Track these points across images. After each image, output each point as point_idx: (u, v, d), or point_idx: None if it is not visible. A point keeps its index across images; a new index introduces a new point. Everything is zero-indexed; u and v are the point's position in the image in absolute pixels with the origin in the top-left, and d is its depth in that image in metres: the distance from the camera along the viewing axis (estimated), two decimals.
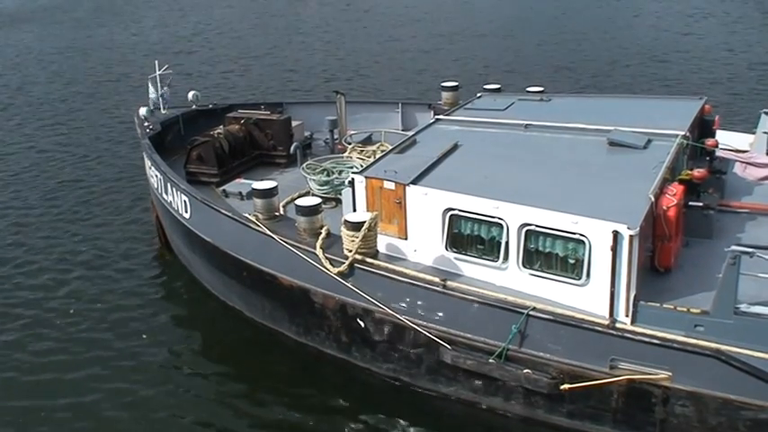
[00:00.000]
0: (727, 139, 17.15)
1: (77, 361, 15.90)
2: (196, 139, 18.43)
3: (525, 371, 12.55)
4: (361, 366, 14.51)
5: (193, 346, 16.56)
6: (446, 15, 53.36)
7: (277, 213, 15.68)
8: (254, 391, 14.91)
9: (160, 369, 15.67)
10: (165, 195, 17.89)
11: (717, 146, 15.89)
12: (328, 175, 16.89)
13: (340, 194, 15.45)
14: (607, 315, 12.13)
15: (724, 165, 15.97)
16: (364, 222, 13.63)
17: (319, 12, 58.14)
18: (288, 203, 16.26)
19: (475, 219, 13.28)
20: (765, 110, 17.63)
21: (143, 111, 20.44)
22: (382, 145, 18.21)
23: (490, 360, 12.75)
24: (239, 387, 15.09)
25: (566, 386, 12.27)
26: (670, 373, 11.67)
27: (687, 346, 11.59)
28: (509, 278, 13.09)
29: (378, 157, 15.53)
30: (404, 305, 13.45)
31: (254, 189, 15.70)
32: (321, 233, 14.54)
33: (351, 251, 13.82)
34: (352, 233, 13.73)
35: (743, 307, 11.56)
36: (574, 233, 12.28)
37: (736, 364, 11.31)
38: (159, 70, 20.83)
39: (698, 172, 14.43)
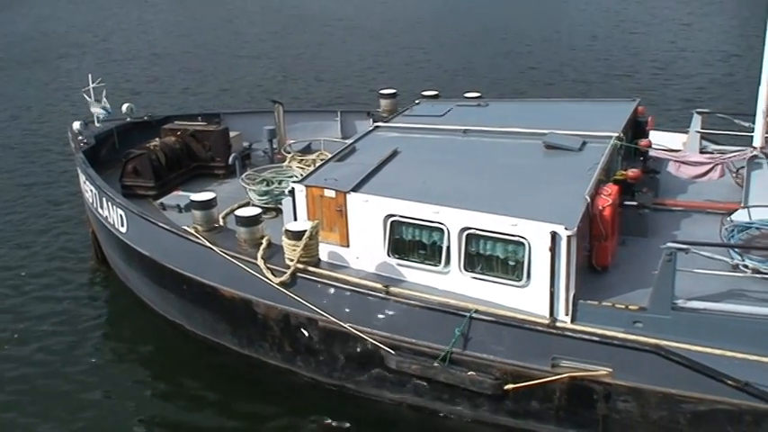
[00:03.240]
0: (660, 139, 17.53)
1: (5, 380, 15.54)
2: (131, 151, 18.15)
3: (469, 373, 12.66)
4: (305, 376, 14.48)
5: (133, 363, 16.26)
6: (381, 24, 53.61)
7: (216, 225, 15.54)
8: (197, 407, 14.73)
9: (98, 387, 15.35)
10: (100, 210, 17.62)
11: (650, 146, 16.21)
12: (268, 185, 16.82)
13: (280, 204, 15.38)
14: (547, 315, 12.29)
15: (658, 164, 16.32)
16: (305, 231, 13.60)
17: (254, 20, 57.86)
18: (227, 215, 16.14)
19: (416, 224, 13.34)
20: (698, 109, 18.05)
21: (76, 125, 20.11)
22: (322, 153, 18.22)
23: (434, 364, 12.82)
24: (182, 403, 14.90)
25: (509, 386, 12.42)
26: (610, 370, 11.88)
27: (626, 342, 11.80)
28: (451, 282, 13.18)
29: (317, 165, 15.51)
30: (347, 313, 13.45)
31: (192, 201, 15.56)
32: (262, 243, 14.46)
33: (292, 260, 13.77)
34: (293, 242, 13.69)
35: (680, 302, 11.82)
36: (513, 235, 12.41)
37: (675, 359, 11.55)
38: (92, 83, 20.52)
39: (632, 172, 14.73)
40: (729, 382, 11.44)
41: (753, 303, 12.11)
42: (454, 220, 12.87)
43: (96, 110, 20.49)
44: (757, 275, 12.67)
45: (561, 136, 15.33)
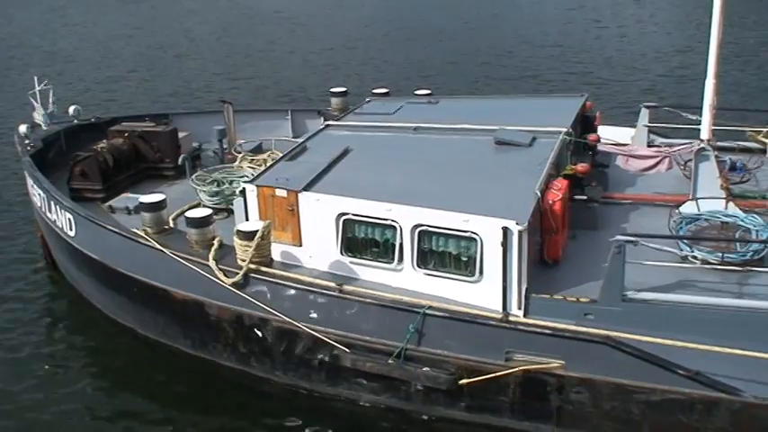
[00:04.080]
0: (608, 134, 17.77)
1: None
2: (79, 154, 17.85)
3: (424, 369, 12.67)
4: (260, 377, 14.37)
5: (84, 369, 16.00)
6: (331, 22, 53.53)
7: (167, 227, 15.35)
8: (152, 411, 14.57)
9: (46, 394, 15.07)
10: (48, 214, 17.33)
11: (599, 140, 16.41)
12: (219, 185, 16.67)
13: (231, 205, 15.26)
14: (500, 309, 12.35)
15: (606, 158, 16.53)
16: (257, 231, 13.50)
17: (205, 20, 57.37)
18: (178, 216, 15.94)
19: (368, 222, 13.31)
20: (645, 104, 18.32)
21: (23, 128, 19.72)
22: (273, 153, 18.09)
23: (389, 361, 12.82)
24: (135, 408, 14.70)
25: (464, 381, 12.46)
26: (563, 362, 11.98)
27: (578, 334, 11.90)
28: (405, 279, 13.17)
29: (269, 165, 15.42)
30: (301, 312, 13.38)
31: (141, 203, 15.36)
32: (213, 244, 14.32)
33: (245, 261, 13.66)
34: (245, 243, 13.58)
35: (629, 294, 11.95)
36: (465, 231, 12.45)
37: (626, 350, 11.68)
38: (38, 86, 20.18)
39: (581, 166, 14.90)
40: (680, 371, 11.60)
41: (702, 293, 12.30)
42: (406, 218, 12.87)
43: (37, 116, 20.10)
44: (706, 266, 12.88)
45: (511, 132, 15.42)
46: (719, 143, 16.36)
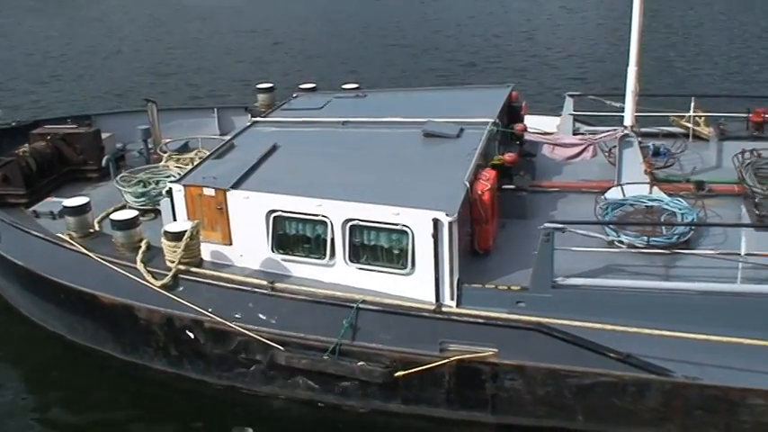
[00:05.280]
0: (535, 123, 17.92)
1: None
2: (0, 159, 17.43)
3: (359, 363, 12.67)
4: (194, 379, 14.20)
5: (12, 378, 15.61)
6: (256, 18, 52.95)
7: (92, 230, 15.06)
8: (82, 419, 14.31)
9: None
10: None
11: (525, 130, 16.57)
12: (144, 186, 16.39)
13: (158, 205, 15.03)
14: (433, 300, 12.40)
15: (533, 147, 16.70)
16: (185, 232, 13.31)
17: (127, 18, 56.28)
18: (103, 219, 15.63)
19: (299, 218, 13.23)
20: (569, 92, 18.55)
21: None
22: (200, 151, 17.86)
23: (324, 357, 12.78)
24: (64, 416, 14.43)
25: (399, 373, 12.49)
26: (496, 350, 12.09)
27: (510, 322, 12.03)
28: (337, 274, 13.14)
29: (195, 164, 15.21)
30: (233, 311, 13.25)
31: (65, 207, 15.02)
32: (141, 246, 14.08)
33: (173, 262, 13.47)
34: (173, 244, 13.38)
35: (559, 280, 12.11)
36: (396, 224, 12.46)
37: (558, 335, 11.84)
38: None
39: (509, 156, 15.04)
40: (611, 354, 11.81)
41: (629, 277, 12.57)
42: (337, 213, 12.82)
43: None
44: (632, 250, 13.12)
45: (439, 124, 15.47)
46: (643, 129, 16.63)
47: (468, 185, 12.96)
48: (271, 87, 20.60)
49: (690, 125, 17.36)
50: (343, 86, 20.03)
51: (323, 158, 14.82)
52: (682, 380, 11.79)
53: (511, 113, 17.27)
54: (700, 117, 17.45)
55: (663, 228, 13.51)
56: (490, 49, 40.83)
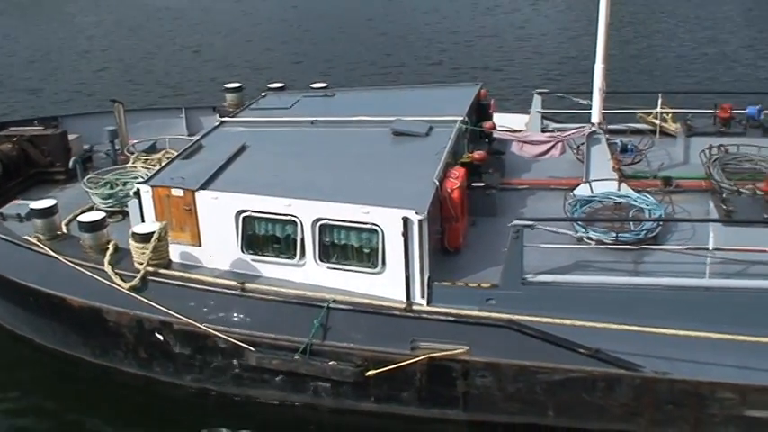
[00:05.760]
0: (503, 121, 17.99)
1: None
2: None
3: (331, 363, 12.63)
4: (164, 381, 14.09)
5: None
6: (224, 18, 52.69)
7: (60, 233, 14.91)
8: (51, 424, 14.14)
9: None
10: None
11: (494, 128, 16.60)
12: (112, 187, 16.25)
13: (126, 207, 14.91)
14: (404, 299, 12.40)
15: (502, 145, 16.73)
16: (153, 233, 13.21)
17: (97, 18, 55.76)
18: (71, 221, 15.50)
19: (268, 218, 13.17)
20: (538, 90, 18.64)
21: None
22: (167, 152, 17.71)
23: (295, 357, 12.73)
24: (33, 421, 14.24)
25: (371, 372, 12.47)
26: (467, 347, 12.11)
27: (481, 319, 12.06)
28: (307, 274, 13.10)
29: (163, 164, 15.09)
30: (203, 313, 13.17)
31: (32, 209, 14.86)
32: (108, 249, 13.97)
33: (142, 264, 13.36)
34: (141, 245, 13.27)
35: (529, 277, 12.17)
36: (366, 223, 12.45)
37: (528, 332, 11.89)
38: None
39: (478, 154, 15.08)
40: (581, 350, 11.87)
41: (598, 273, 12.65)
42: (307, 212, 12.78)
43: None
44: (601, 246, 13.20)
45: (408, 122, 15.48)
46: (611, 126, 16.75)
47: (437, 184, 12.97)
48: (239, 87, 20.49)
49: (657, 122, 17.52)
50: (312, 86, 19.98)
51: (292, 158, 14.77)
52: (651, 374, 11.87)
53: (480, 111, 17.31)
54: (667, 114, 17.63)
55: (631, 224, 13.60)
56: (459, 48, 40.91)
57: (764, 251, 11.92)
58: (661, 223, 13.56)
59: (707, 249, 12.17)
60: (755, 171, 15.11)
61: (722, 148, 15.80)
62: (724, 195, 13.75)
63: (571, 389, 12.09)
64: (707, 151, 15.74)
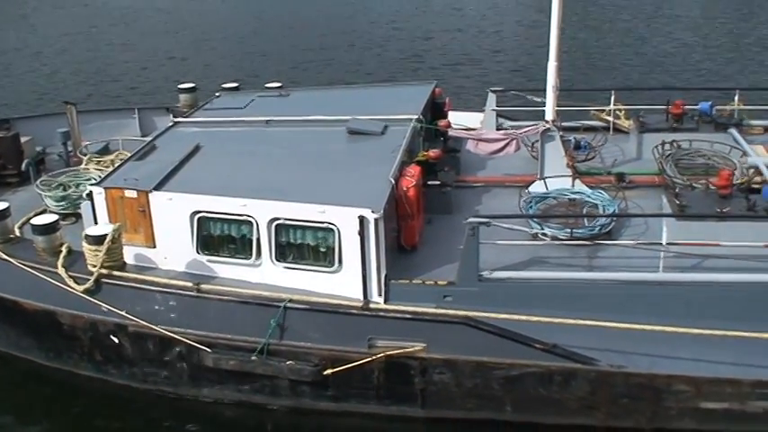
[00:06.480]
0: (459, 119, 18.05)
1: None
2: None
3: (288, 362, 12.62)
4: (120, 384, 13.99)
5: None
6: (177, 17, 52.22)
7: (12, 236, 14.69)
8: (5, 428, 13.92)
9: None
10: None
11: (449, 126, 16.67)
12: (65, 189, 16.04)
13: (79, 209, 14.71)
14: (361, 297, 12.42)
15: (457, 143, 16.84)
16: (107, 235, 13.07)
17: (49, 19, 54.96)
18: (24, 224, 15.25)
19: (224, 219, 13.09)
20: (492, 88, 18.73)
21: None
22: (121, 153, 17.52)
23: (252, 357, 12.69)
24: None
25: (329, 371, 12.48)
26: (425, 345, 12.16)
27: (438, 316, 12.12)
28: (264, 274, 13.05)
29: (116, 166, 14.93)
30: (158, 315, 13.07)
31: None
32: (62, 251, 13.80)
33: (95, 266, 13.23)
34: (94, 247, 13.14)
35: (485, 274, 12.24)
36: (322, 222, 12.43)
37: (485, 328, 11.97)
38: None
39: (433, 152, 15.13)
40: (538, 345, 11.99)
41: (554, 268, 12.76)
42: (262, 212, 12.74)
43: None
44: (556, 242, 13.33)
45: (363, 121, 15.47)
46: (565, 123, 16.89)
47: (393, 182, 12.99)
48: (193, 87, 20.31)
49: (610, 118, 17.70)
50: (267, 85, 19.89)
51: (247, 158, 14.71)
52: (607, 368, 12.03)
53: (435, 110, 17.35)
54: (620, 110, 17.81)
55: (585, 220, 13.74)
56: (414, 46, 40.93)
57: (717, 245, 12.09)
58: (615, 219, 13.71)
59: (660, 244, 12.33)
60: (708, 166, 15.33)
61: (675, 143, 16.02)
62: (677, 190, 13.94)
63: (528, 384, 12.20)
64: (660, 147, 15.94)
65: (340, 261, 12.46)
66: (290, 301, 12.54)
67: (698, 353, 11.74)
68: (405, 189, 13.16)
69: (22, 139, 18.31)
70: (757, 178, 14.27)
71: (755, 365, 11.72)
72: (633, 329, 11.57)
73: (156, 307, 13.10)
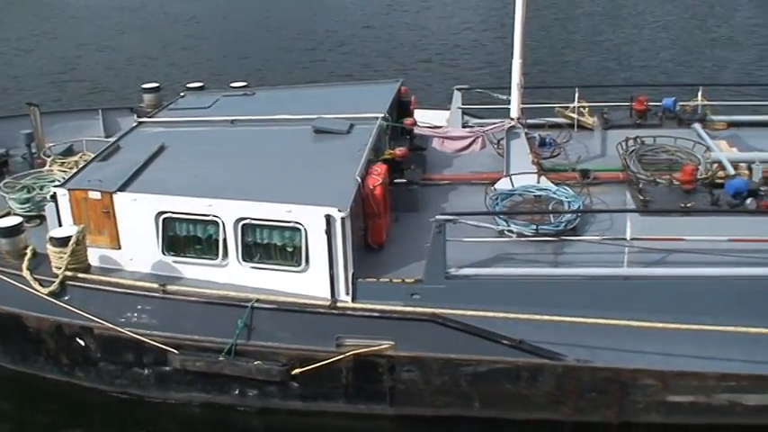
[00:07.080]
0: (424, 117, 18.10)
1: None
2: None
3: (256, 363, 12.60)
4: (87, 387, 13.88)
5: None
6: (140, 17, 51.81)
7: None
8: None
9: None
10: None
11: (415, 124, 16.70)
12: (29, 191, 15.85)
13: (43, 211, 14.57)
14: (329, 296, 12.42)
15: (424, 141, 16.84)
16: (71, 237, 12.97)
17: (11, 18, 54.30)
18: None
19: (189, 219, 13.04)
20: (458, 86, 18.79)
21: None
22: (84, 154, 17.33)
23: (220, 358, 12.65)
24: None
25: (297, 371, 12.48)
26: (392, 343, 12.21)
27: (406, 314, 12.16)
28: (231, 274, 13.01)
29: (80, 167, 14.80)
30: (124, 317, 13.00)
31: None
32: (26, 254, 13.68)
33: (60, 269, 13.12)
34: (59, 250, 13.03)
35: (452, 271, 12.29)
36: (289, 222, 12.42)
37: (452, 325, 12.03)
38: None
39: (399, 150, 15.15)
40: (505, 341, 12.07)
41: (520, 265, 12.83)
42: (228, 212, 12.69)
43: None
44: (522, 239, 13.38)
45: (329, 120, 15.46)
46: (530, 120, 16.98)
47: (359, 181, 13.00)
48: (157, 87, 20.15)
49: (574, 115, 17.85)
50: (232, 85, 19.81)
51: (212, 158, 14.63)
52: (573, 363, 12.13)
53: (400, 108, 17.38)
54: (584, 107, 17.96)
55: (551, 216, 13.82)
56: (379, 45, 40.93)
57: (681, 240, 12.23)
58: (580, 215, 13.82)
59: (624, 239, 12.45)
60: (672, 161, 15.49)
61: (638, 139, 16.14)
62: (641, 186, 14.06)
63: (495, 380, 12.29)
64: (623, 143, 16.07)
65: (307, 260, 12.46)
66: (258, 301, 12.51)
67: (663, 347, 11.89)
68: (371, 187, 13.17)
69: None
70: (721, 173, 14.41)
71: (720, 358, 11.87)
72: (599, 324, 11.68)
73: (122, 309, 13.03)
